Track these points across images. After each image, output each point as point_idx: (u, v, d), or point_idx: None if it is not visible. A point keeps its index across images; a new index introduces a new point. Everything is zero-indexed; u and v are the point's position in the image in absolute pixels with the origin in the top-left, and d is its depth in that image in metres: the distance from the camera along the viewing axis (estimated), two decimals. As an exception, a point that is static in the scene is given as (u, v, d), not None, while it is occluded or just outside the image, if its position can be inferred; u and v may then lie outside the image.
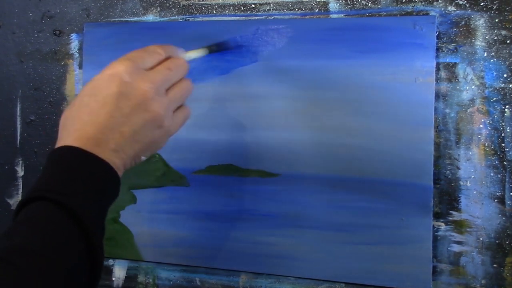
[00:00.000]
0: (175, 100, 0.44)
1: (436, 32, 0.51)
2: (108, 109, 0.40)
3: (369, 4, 0.54)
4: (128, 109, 0.40)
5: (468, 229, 0.51)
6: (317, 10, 0.55)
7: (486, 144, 0.51)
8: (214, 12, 0.59)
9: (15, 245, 0.34)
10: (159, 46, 0.45)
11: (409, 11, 0.52)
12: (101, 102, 0.40)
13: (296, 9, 0.56)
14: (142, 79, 0.41)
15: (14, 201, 0.68)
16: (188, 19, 0.60)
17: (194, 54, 0.50)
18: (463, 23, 0.51)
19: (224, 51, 0.56)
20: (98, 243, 0.37)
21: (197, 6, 0.60)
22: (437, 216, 0.52)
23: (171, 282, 0.61)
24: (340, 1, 0.55)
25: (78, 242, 0.36)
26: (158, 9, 0.61)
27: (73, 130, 0.40)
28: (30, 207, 0.36)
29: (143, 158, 0.43)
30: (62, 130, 0.41)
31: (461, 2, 0.51)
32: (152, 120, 0.41)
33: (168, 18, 0.61)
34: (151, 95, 0.41)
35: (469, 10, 0.51)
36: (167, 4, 0.61)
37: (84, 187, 0.37)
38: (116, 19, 0.63)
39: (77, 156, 0.38)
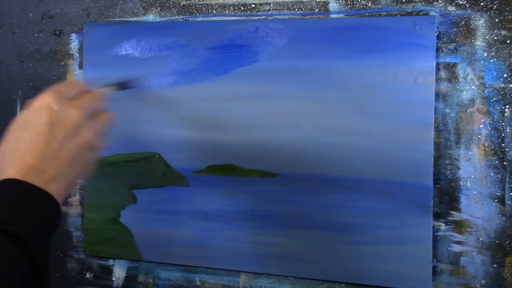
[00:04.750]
0: (102, 126, 0.47)
1: (436, 32, 0.51)
2: (43, 138, 0.41)
3: (369, 4, 0.54)
4: (62, 135, 0.42)
5: (468, 229, 0.51)
6: (317, 10, 0.55)
7: (486, 144, 0.51)
8: (214, 12, 0.59)
9: None
10: (77, 81, 0.48)
11: (409, 11, 0.52)
12: (35, 133, 0.41)
13: (296, 9, 0.56)
14: (71, 106, 0.43)
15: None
16: (188, 19, 0.60)
17: (104, 90, 0.52)
18: (463, 23, 0.51)
19: (128, 89, 0.57)
20: (45, 267, 0.37)
21: (197, 6, 0.60)
22: (437, 216, 0.52)
23: (171, 282, 0.61)
24: (340, 1, 0.55)
25: (25, 267, 0.36)
26: (158, 9, 0.61)
27: (13, 162, 0.40)
28: None
29: (79, 181, 0.45)
30: (0, 165, 0.42)
31: (461, 2, 0.51)
32: (85, 143, 0.44)
33: (168, 18, 0.61)
34: (80, 121, 0.43)
35: (469, 10, 0.51)
36: (167, 4, 0.61)
37: (28, 216, 0.38)
38: (116, 19, 0.63)
39: (19, 188, 0.39)
